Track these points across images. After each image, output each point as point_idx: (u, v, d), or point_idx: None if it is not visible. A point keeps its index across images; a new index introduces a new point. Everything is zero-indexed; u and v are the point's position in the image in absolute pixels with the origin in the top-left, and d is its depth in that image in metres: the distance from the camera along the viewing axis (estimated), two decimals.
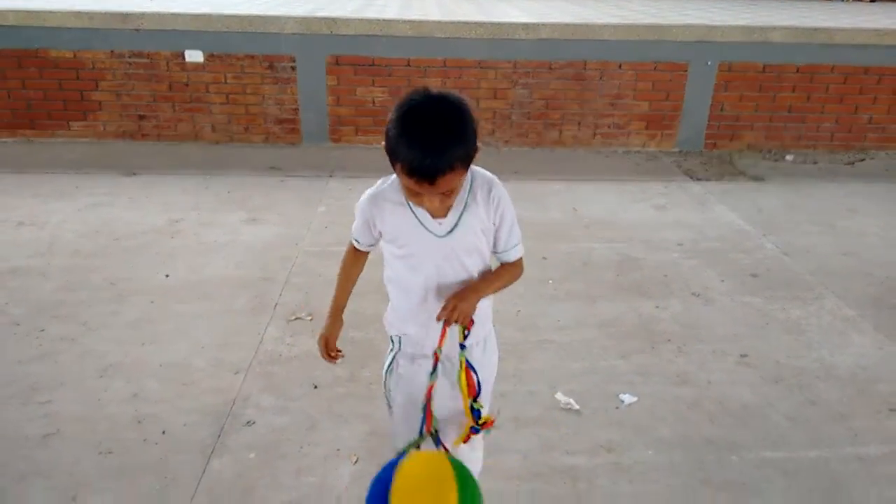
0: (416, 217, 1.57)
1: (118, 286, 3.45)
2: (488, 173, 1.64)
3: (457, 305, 1.56)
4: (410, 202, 1.55)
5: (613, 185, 5.26)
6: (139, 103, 5.83)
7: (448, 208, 1.56)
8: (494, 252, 1.70)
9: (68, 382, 2.68)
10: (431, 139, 1.38)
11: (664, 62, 5.93)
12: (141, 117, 5.87)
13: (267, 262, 3.75)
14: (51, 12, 5.59)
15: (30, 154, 5.58)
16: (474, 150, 1.46)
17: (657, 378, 2.84)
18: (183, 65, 5.74)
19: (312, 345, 2.99)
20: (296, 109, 5.90)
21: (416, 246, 1.60)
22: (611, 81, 5.96)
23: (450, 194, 1.47)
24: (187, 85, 5.80)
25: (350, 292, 1.82)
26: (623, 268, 3.84)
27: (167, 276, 3.57)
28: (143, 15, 5.60)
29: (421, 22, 5.77)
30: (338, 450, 2.37)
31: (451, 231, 1.58)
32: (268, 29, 5.67)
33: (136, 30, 5.61)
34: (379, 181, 1.64)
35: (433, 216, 1.57)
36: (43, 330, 3.03)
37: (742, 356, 3.01)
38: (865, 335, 3.21)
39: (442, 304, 1.58)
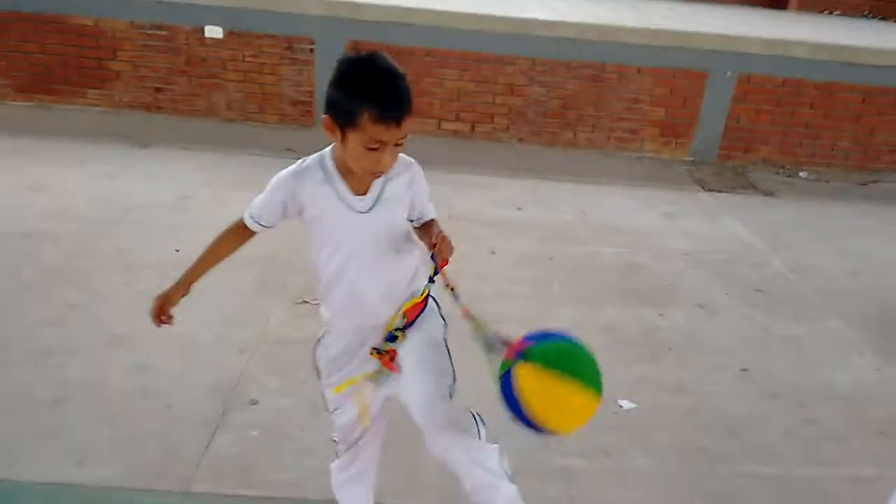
0: (338, 193, 1.60)
1: (127, 257, 3.48)
2: (404, 155, 1.67)
3: (445, 238, 1.61)
4: (332, 179, 1.59)
5: (624, 189, 5.28)
6: (156, 75, 5.84)
7: (370, 182, 1.60)
8: (409, 220, 1.73)
9: (78, 349, 2.72)
10: (392, 82, 1.47)
11: (683, 69, 5.92)
12: (157, 90, 5.88)
13: (276, 243, 3.75)
14: None
15: (45, 119, 5.59)
16: None
17: (656, 386, 2.87)
18: (202, 40, 5.74)
19: (317, 329, 3.04)
20: (311, 92, 5.90)
21: (339, 225, 1.62)
22: (628, 85, 5.95)
23: (401, 146, 1.53)
24: (205, 60, 5.80)
25: (210, 269, 1.79)
26: (628, 274, 3.86)
27: (177, 250, 3.60)
28: None
29: (442, 12, 5.76)
30: None
31: (373, 206, 1.62)
32: (290, 9, 5.67)
33: (159, 1, 5.62)
34: (298, 162, 1.66)
35: (355, 192, 1.60)
36: (54, 295, 3.07)
37: (742, 370, 3.04)
38: (864, 357, 3.24)
39: (370, 279, 1.64)
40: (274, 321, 3.05)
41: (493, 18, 5.78)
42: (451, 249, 1.63)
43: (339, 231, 1.64)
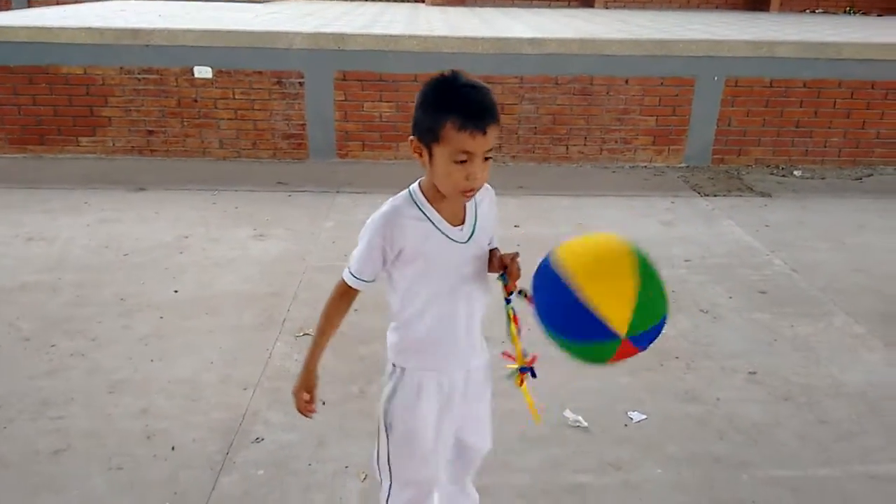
0: (437, 227, 1.56)
1: (127, 301, 3.46)
2: None
3: (516, 260, 1.62)
4: (428, 213, 1.54)
5: (620, 200, 5.27)
6: (148, 119, 5.88)
7: (463, 211, 1.60)
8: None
9: (78, 398, 2.69)
10: (474, 91, 1.46)
11: (670, 77, 5.95)
12: (149, 133, 5.92)
13: (274, 278, 3.77)
14: (62, 29, 5.66)
15: (39, 170, 5.62)
16: None
17: (666, 395, 2.83)
18: (192, 81, 5.79)
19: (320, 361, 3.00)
20: (303, 125, 5.93)
21: (441, 258, 1.57)
22: (617, 97, 5.98)
23: (489, 161, 1.49)
24: (196, 101, 5.84)
25: (327, 344, 1.69)
26: None
27: (176, 291, 3.59)
28: (152, 31, 5.67)
29: (427, 38, 5.81)
30: (346, 467, 2.36)
31: (471, 235, 1.60)
32: (276, 45, 5.73)
33: (146, 46, 5.68)
34: (386, 203, 1.59)
35: (452, 224, 1.57)
36: (53, 345, 3.05)
37: (751, 373, 3.00)
38: (875, 352, 3.20)
39: (465, 315, 1.63)
40: (276, 356, 3.03)
41: (477, 40, 5.83)
42: (519, 274, 1.62)
43: (441, 267, 1.58)
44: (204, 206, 4.85)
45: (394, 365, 1.69)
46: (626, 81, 5.94)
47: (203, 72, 5.77)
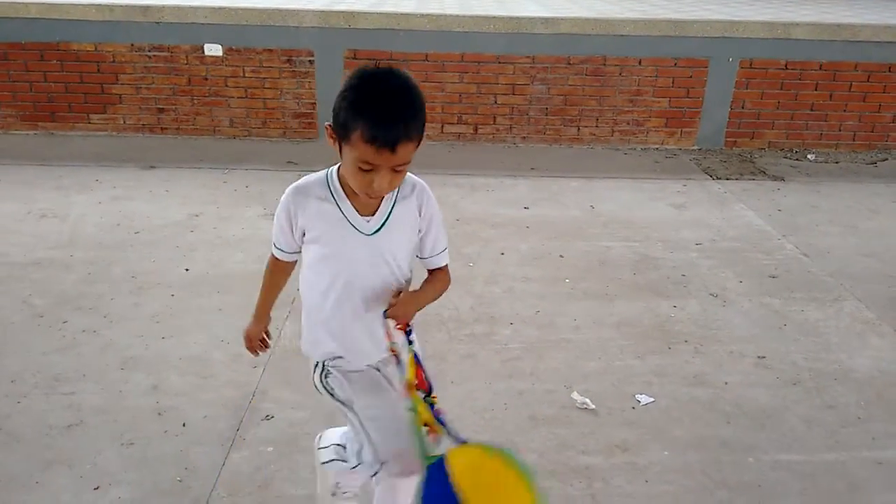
0: (343, 213, 1.52)
1: (139, 279, 3.49)
2: (415, 177, 1.61)
3: (404, 309, 1.53)
4: (337, 197, 1.52)
5: (631, 182, 5.24)
6: (158, 97, 5.88)
7: (378, 203, 1.53)
8: (420, 257, 1.66)
9: (90, 374, 2.72)
10: (393, 103, 1.37)
11: (684, 58, 5.88)
12: (160, 110, 5.92)
13: None
14: (72, 5, 5.64)
15: (51, 146, 5.64)
16: (424, 128, 1.46)
17: (674, 379, 2.83)
18: (202, 58, 5.77)
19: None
20: (313, 104, 5.91)
21: (342, 245, 1.53)
22: (630, 77, 5.92)
23: (401, 171, 1.43)
24: (206, 79, 5.83)
25: (275, 298, 1.82)
26: (640, 267, 3.83)
27: (187, 269, 3.61)
28: (163, 8, 5.65)
29: (439, 16, 5.76)
30: None
31: (379, 229, 1.53)
32: (287, 22, 5.69)
33: (157, 23, 5.66)
34: (303, 178, 1.58)
35: (361, 213, 1.52)
36: (65, 322, 3.08)
37: (759, 357, 3.00)
38: (885, 338, 3.18)
39: (368, 310, 1.57)
40: (286, 335, 3.05)
41: (490, 19, 5.77)
42: (405, 316, 1.53)
43: (341, 256, 1.54)
44: (214, 185, 4.86)
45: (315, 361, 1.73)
46: (640, 62, 5.88)
47: (213, 49, 5.75)
